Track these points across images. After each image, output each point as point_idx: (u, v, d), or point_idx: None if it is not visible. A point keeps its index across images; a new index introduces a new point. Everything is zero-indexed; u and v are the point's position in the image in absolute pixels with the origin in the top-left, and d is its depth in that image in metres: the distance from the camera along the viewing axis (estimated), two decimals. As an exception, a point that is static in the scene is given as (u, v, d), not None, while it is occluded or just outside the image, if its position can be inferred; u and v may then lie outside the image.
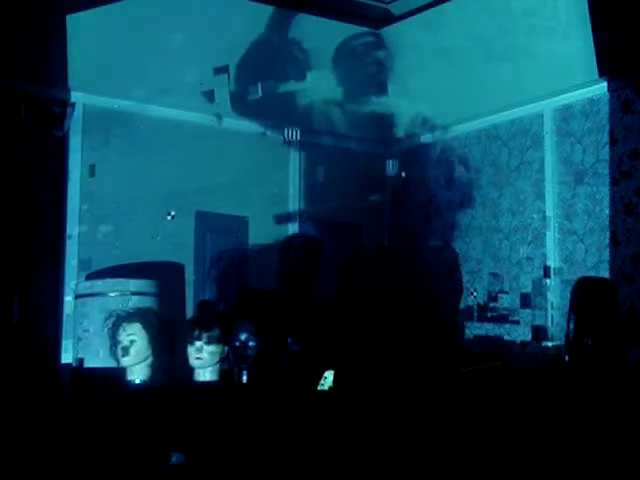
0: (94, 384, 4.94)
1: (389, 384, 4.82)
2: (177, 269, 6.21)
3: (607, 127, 5.75)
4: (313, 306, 5.37)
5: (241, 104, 6.49)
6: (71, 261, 5.89)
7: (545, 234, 6.06)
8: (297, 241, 5.69)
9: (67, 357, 5.65)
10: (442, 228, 6.77)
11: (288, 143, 6.80)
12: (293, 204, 6.81)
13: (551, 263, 6.00)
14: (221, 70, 6.30)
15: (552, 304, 5.97)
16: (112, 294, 5.37)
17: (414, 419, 4.64)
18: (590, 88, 5.83)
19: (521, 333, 6.11)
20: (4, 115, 5.64)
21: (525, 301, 6.13)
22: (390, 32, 6.91)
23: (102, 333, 4.95)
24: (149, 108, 6.21)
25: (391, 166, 7.21)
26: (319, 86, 6.73)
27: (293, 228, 6.75)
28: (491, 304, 6.35)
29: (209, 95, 6.32)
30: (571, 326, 4.59)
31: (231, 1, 6.34)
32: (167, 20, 6.11)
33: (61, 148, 5.93)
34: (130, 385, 4.47)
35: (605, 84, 5.74)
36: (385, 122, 7.05)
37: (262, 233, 6.52)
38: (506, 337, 6.20)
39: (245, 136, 6.59)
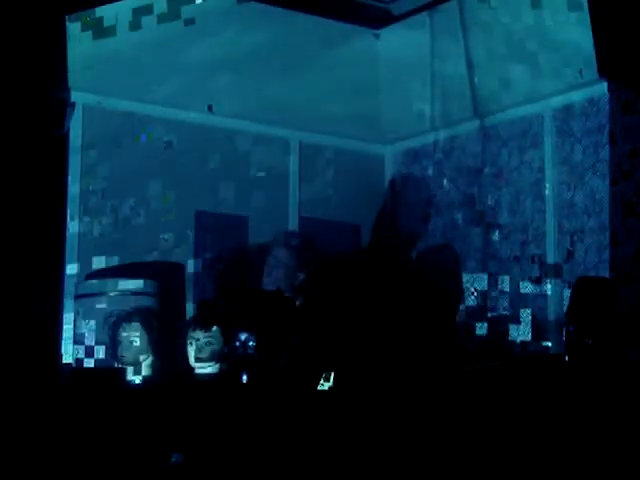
0: (94, 384, 4.94)
1: (389, 384, 4.82)
2: (177, 269, 6.21)
3: (607, 127, 5.74)
4: (310, 305, 5.37)
5: (240, 104, 6.49)
6: (71, 261, 5.89)
7: (545, 234, 6.06)
8: (289, 240, 5.68)
9: (67, 357, 5.64)
10: (442, 228, 6.76)
11: (287, 142, 6.81)
12: (293, 204, 6.80)
13: (550, 262, 6.00)
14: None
15: (552, 304, 5.97)
16: (112, 294, 5.37)
17: (414, 419, 4.64)
18: (590, 88, 5.82)
19: (521, 333, 6.11)
20: (3, 115, 5.63)
21: (525, 301, 6.13)
22: (390, 32, 6.91)
23: (102, 333, 4.96)
24: (149, 108, 6.21)
25: (391, 166, 7.22)
26: (318, 86, 6.72)
27: (293, 227, 6.74)
28: (491, 304, 6.35)
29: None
30: (571, 326, 4.59)
31: (230, 1, 6.35)
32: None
33: (61, 148, 5.92)
34: (130, 385, 4.47)
35: (605, 84, 5.73)
36: (385, 122, 7.04)
37: (262, 233, 6.52)
38: (506, 337, 6.20)
39: (245, 136, 6.59)
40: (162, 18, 5.75)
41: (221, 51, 6.32)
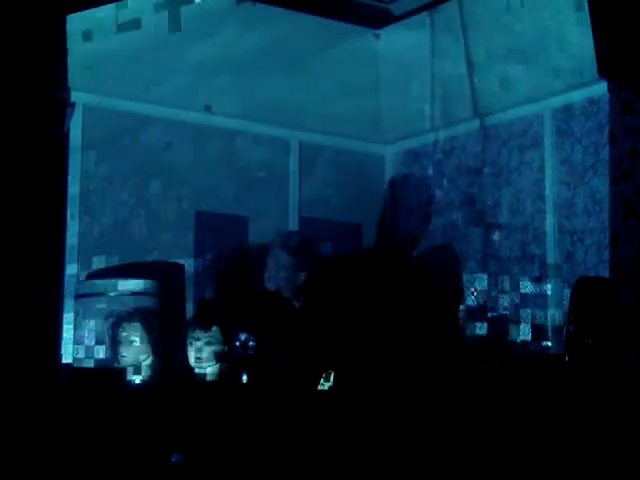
0: (94, 384, 4.94)
1: (389, 384, 4.82)
2: (177, 269, 6.21)
3: (607, 127, 5.74)
4: (310, 305, 5.36)
5: (240, 104, 6.49)
6: (71, 261, 5.88)
7: (545, 234, 6.06)
8: (287, 241, 5.66)
9: (67, 357, 5.64)
10: (442, 228, 6.76)
11: (287, 142, 6.81)
12: (293, 204, 6.80)
13: (550, 262, 6.00)
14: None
15: (552, 304, 5.96)
16: (112, 294, 5.37)
17: (414, 419, 4.64)
18: (590, 88, 5.82)
19: (521, 333, 6.10)
20: (4, 115, 5.63)
21: (525, 301, 6.12)
22: (390, 32, 6.91)
23: (102, 333, 4.96)
24: (149, 108, 6.21)
25: (391, 166, 7.22)
26: (318, 86, 6.73)
27: (293, 228, 6.74)
28: (491, 304, 6.34)
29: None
30: (571, 326, 4.59)
31: (230, 1, 6.35)
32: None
33: (61, 148, 5.92)
34: (130, 385, 4.47)
35: (605, 84, 5.73)
36: (385, 122, 7.04)
37: (262, 233, 6.51)
38: (506, 337, 6.19)
39: (245, 136, 6.59)
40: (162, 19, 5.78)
41: (221, 51, 6.32)
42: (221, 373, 4.72)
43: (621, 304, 4.98)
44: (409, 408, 4.68)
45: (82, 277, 5.84)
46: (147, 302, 5.30)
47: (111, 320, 4.83)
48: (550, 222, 6.04)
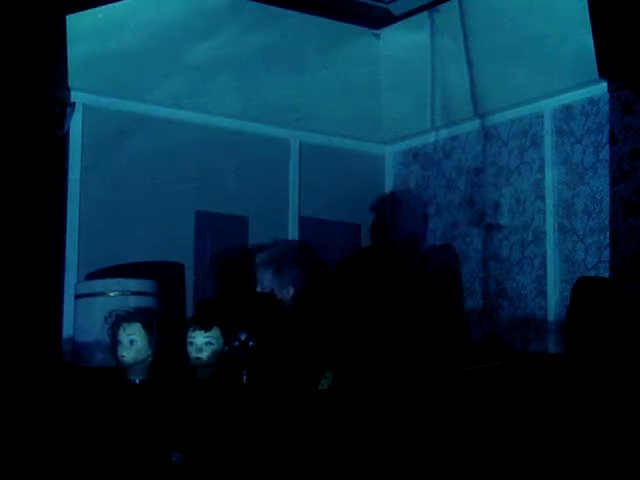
0: (94, 384, 4.94)
1: (389, 384, 4.82)
2: (177, 269, 6.21)
3: (607, 127, 5.75)
4: (309, 305, 5.37)
5: (241, 104, 6.49)
6: (71, 261, 5.89)
7: (545, 234, 6.06)
8: (268, 261, 5.61)
9: (67, 357, 5.64)
10: (442, 228, 6.77)
11: (287, 142, 6.81)
12: (293, 204, 6.81)
13: (551, 263, 6.00)
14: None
15: (552, 304, 5.97)
16: (112, 294, 5.37)
17: (414, 419, 4.64)
18: (590, 88, 5.83)
19: (522, 333, 6.11)
20: (4, 115, 5.64)
21: (525, 301, 6.13)
22: (390, 32, 6.92)
23: (102, 333, 4.96)
24: (149, 108, 6.21)
25: (391, 166, 7.22)
26: (318, 86, 6.73)
27: (293, 228, 6.75)
28: (491, 304, 6.35)
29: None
30: (571, 326, 4.59)
31: (231, 0, 6.36)
32: (168, 19, 6.13)
33: (61, 148, 5.93)
34: (130, 385, 4.48)
35: (605, 84, 5.74)
36: (385, 122, 7.05)
37: (262, 233, 6.52)
38: (506, 337, 6.20)
39: (245, 136, 6.59)
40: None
41: (221, 51, 6.32)
42: (221, 373, 4.72)
43: (621, 304, 4.99)
44: (409, 408, 4.68)
45: (82, 277, 5.84)
46: (147, 302, 5.31)
47: (111, 320, 4.82)
48: (550, 222, 6.04)
